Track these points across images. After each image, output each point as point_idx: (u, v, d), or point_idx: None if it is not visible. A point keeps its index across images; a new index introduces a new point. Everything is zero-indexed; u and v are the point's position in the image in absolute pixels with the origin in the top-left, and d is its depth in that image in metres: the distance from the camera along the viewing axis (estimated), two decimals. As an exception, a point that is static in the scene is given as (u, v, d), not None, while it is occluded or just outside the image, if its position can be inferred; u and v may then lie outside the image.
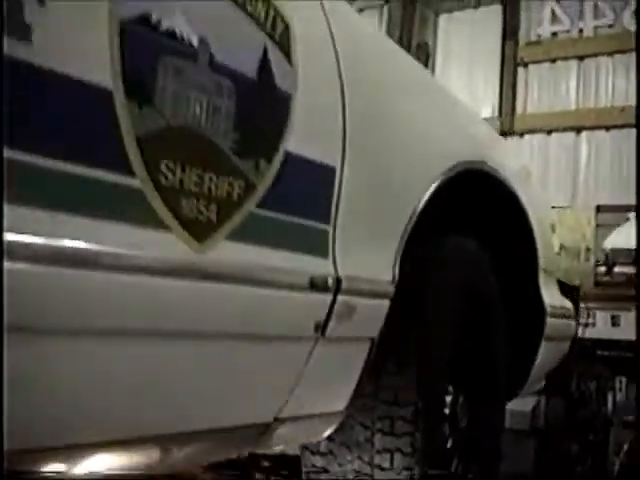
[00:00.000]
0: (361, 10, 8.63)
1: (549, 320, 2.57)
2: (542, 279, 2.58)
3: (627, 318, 7.10)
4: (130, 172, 1.07)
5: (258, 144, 1.29)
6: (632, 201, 8.13)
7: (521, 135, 8.51)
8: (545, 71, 8.58)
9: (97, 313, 1.06)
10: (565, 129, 8.38)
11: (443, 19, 8.83)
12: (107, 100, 1.03)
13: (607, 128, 8.18)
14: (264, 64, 1.30)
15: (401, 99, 1.81)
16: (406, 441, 1.76)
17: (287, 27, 1.36)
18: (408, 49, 9.27)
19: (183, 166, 1.14)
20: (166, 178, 1.11)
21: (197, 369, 1.27)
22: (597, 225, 8.14)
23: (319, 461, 1.84)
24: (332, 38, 1.50)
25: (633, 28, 8.04)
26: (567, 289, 3.35)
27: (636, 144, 6.69)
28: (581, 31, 8.39)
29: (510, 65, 8.61)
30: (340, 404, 1.62)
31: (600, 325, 7.08)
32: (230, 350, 1.31)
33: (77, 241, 1.00)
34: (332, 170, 1.45)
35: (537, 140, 8.43)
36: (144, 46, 1.09)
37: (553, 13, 8.49)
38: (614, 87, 8.26)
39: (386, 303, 1.61)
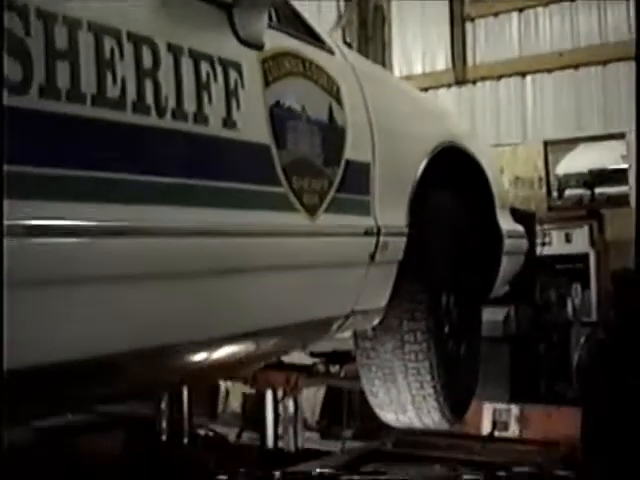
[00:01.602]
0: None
1: (506, 240, 3.45)
2: (498, 212, 3.45)
3: (578, 234, 7.92)
4: (278, 183, 2.07)
5: (332, 157, 2.29)
6: (574, 134, 9.04)
7: (474, 83, 9.12)
8: (490, 24, 9.18)
9: (264, 256, 2.04)
10: (511, 75, 8.99)
11: None
12: (267, 149, 2.03)
13: (549, 71, 8.81)
14: (331, 112, 2.31)
15: (403, 111, 2.84)
16: (422, 324, 2.78)
17: (338, 88, 2.37)
18: (366, 11, 9.98)
19: (302, 177, 2.14)
20: (295, 185, 2.12)
21: (310, 286, 2.28)
22: (546, 156, 8.97)
23: (368, 343, 2.86)
24: (360, 87, 2.51)
25: (564, -20, 8.73)
26: (525, 215, 4.30)
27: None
28: (518, -15, 8.97)
29: (459, 21, 9.22)
30: (383, 302, 2.65)
31: (556, 243, 7.82)
32: (325, 273, 2.32)
33: (255, 221, 1.98)
34: (368, 164, 2.47)
35: (488, 86, 9.04)
36: (280, 119, 2.08)
37: (494, -28, 9.04)
38: (552, 34, 8.83)
39: (404, 239, 2.63)
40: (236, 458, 3.56)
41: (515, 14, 9.08)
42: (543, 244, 7.35)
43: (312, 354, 3.56)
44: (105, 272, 1.52)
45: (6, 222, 1.28)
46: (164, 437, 3.98)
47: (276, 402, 3.73)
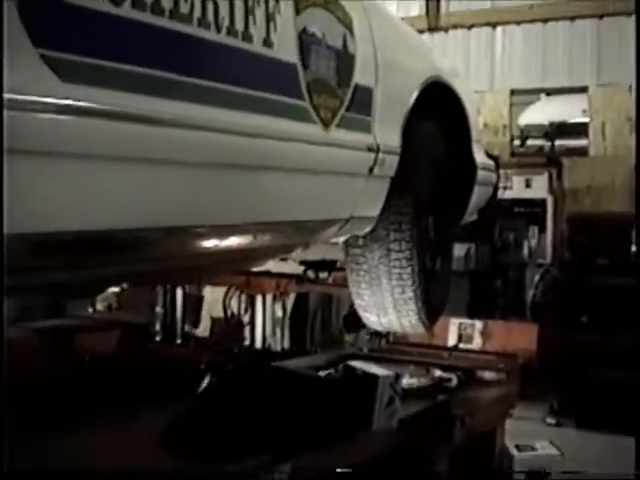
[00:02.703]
0: None
1: (479, 171, 3.85)
2: (474, 145, 3.87)
3: (537, 181, 8.39)
4: (302, 98, 2.41)
5: (344, 80, 2.64)
6: (539, 85, 9.43)
7: (446, 30, 9.39)
8: None
9: (286, 158, 2.37)
10: (482, 25, 9.31)
11: None
12: (295, 68, 2.38)
13: (518, 23, 9.16)
14: (344, 40, 2.65)
15: (401, 46, 3.19)
16: (407, 235, 3.17)
17: (351, 19, 2.71)
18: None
19: (320, 94, 2.49)
20: (315, 100, 2.46)
21: (320, 189, 2.64)
22: (511, 105, 9.37)
23: (358, 250, 3.24)
24: (368, 20, 2.85)
25: None
26: (490, 158, 4.68)
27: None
28: (494, -62, 9.21)
29: None
30: (376, 212, 3.01)
31: (516, 187, 8.29)
32: (333, 180, 2.68)
33: (281, 128, 2.32)
34: (371, 89, 2.82)
35: (460, 34, 9.34)
36: (306, 43, 2.42)
37: None
38: None
39: (397, 158, 2.99)
40: (226, 356, 3.92)
41: (489, -35, 9.39)
42: (505, 188, 7.76)
43: (302, 263, 3.94)
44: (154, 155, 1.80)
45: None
46: (157, 338, 4.34)
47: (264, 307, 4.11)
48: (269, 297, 4.13)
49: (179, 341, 4.34)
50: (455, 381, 3.28)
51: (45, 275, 2.02)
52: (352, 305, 5.66)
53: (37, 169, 1.51)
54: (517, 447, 4.00)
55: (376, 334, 4.46)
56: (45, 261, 1.83)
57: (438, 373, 3.31)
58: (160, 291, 4.40)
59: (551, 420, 6.23)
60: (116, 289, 5.08)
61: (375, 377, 2.45)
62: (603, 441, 5.55)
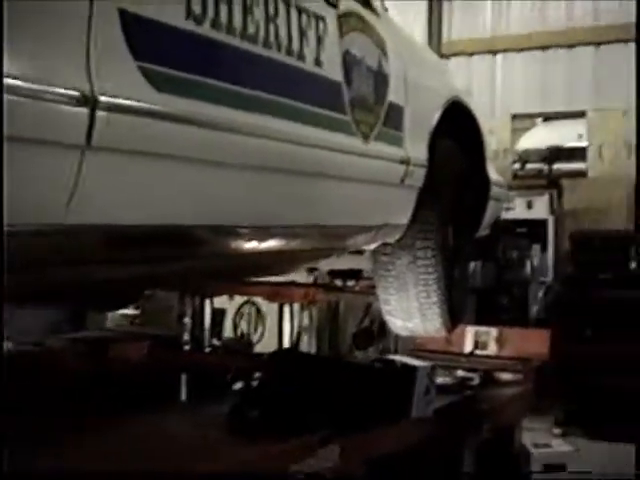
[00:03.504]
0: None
1: (492, 188, 4.11)
2: (488, 163, 4.18)
3: (538, 202, 8.66)
4: (345, 113, 2.65)
5: (380, 98, 2.89)
6: (538, 110, 9.72)
7: (448, 58, 9.66)
8: (466, 4, 9.80)
9: (331, 166, 2.60)
10: (483, 52, 9.68)
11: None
12: (339, 85, 2.61)
13: (518, 50, 9.51)
14: (380, 63, 2.90)
15: (427, 68, 3.45)
16: (432, 242, 3.39)
17: (385, 43, 2.96)
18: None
19: (360, 110, 2.73)
20: (356, 115, 2.70)
21: (359, 197, 2.86)
22: (512, 130, 9.66)
23: (386, 258, 3.46)
24: (398, 44, 3.10)
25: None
26: None
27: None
28: (494, -30, 9.59)
29: (436, 0, 9.86)
30: (406, 220, 3.24)
31: (518, 208, 8.39)
32: (369, 189, 2.91)
33: (327, 138, 2.55)
34: (402, 107, 3.06)
35: (461, 61, 9.68)
36: (349, 63, 2.67)
37: (472, -44, 9.64)
38: (523, 16, 9.52)
39: (424, 171, 3.23)
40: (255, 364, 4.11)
41: (490, -3, 9.73)
42: (507, 209, 8.00)
43: (330, 272, 4.17)
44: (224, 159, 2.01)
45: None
46: (186, 348, 4.54)
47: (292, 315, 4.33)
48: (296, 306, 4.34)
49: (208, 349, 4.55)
50: (477, 380, 3.50)
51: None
52: (362, 321, 5.89)
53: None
54: (534, 445, 4.21)
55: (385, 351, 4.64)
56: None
57: (461, 373, 3.54)
58: (188, 303, 4.61)
59: (557, 431, 6.43)
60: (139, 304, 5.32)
61: (414, 367, 2.66)
62: (607, 449, 5.74)
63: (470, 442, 3.04)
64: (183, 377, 3.87)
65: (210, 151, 1.97)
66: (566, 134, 10.14)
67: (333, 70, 2.56)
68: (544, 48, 9.38)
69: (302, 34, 2.37)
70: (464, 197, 3.85)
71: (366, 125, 2.77)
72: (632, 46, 8.94)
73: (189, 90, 1.87)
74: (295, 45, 2.32)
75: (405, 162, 3.04)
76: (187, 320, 4.51)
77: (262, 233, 2.49)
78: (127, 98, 1.66)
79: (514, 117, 9.54)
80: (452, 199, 3.66)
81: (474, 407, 3.13)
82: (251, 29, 2.12)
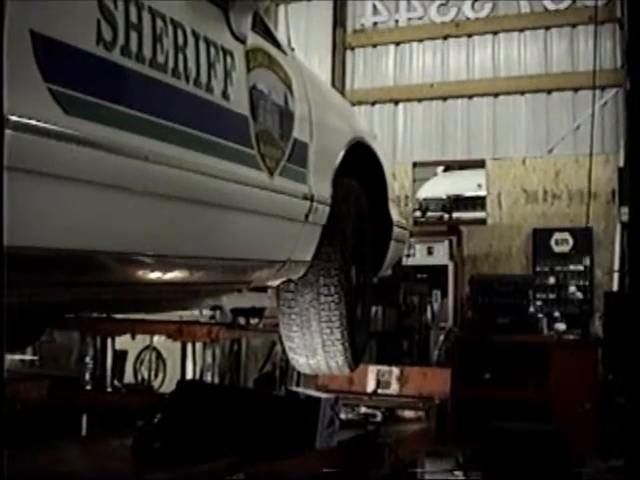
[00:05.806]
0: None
1: (394, 228, 4.21)
2: (390, 204, 4.26)
3: (438, 248, 8.83)
4: (251, 146, 2.69)
5: (285, 134, 2.93)
6: (439, 158, 9.96)
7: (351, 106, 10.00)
8: (368, 54, 9.99)
9: (235, 198, 2.61)
10: (385, 101, 9.85)
11: (281, 10, 10.03)
12: (246, 119, 2.65)
13: (419, 100, 9.72)
14: (286, 99, 2.95)
15: (331, 108, 3.52)
16: (335, 279, 3.43)
17: (291, 81, 3.02)
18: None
19: (266, 145, 2.77)
20: (262, 149, 2.74)
21: (263, 231, 2.89)
22: (414, 179, 9.86)
23: (289, 295, 3.49)
24: (304, 83, 3.16)
25: (438, 20, 9.67)
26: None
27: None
28: (397, 22, 9.87)
29: (340, 49, 9.97)
30: (309, 257, 3.28)
31: (418, 254, 8.79)
32: (273, 223, 2.94)
33: (233, 171, 2.57)
34: (307, 144, 3.11)
35: (363, 110, 9.78)
36: (255, 98, 2.71)
37: (374, 7, 9.89)
38: (424, 67, 9.75)
39: (328, 208, 3.27)
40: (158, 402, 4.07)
41: (392, 47, 9.95)
42: (408, 255, 8.17)
43: (232, 310, 4.17)
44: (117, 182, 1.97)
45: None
46: (88, 387, 4.46)
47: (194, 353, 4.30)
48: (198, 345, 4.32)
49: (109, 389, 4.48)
50: (380, 416, 3.54)
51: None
52: (264, 366, 5.89)
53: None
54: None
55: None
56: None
57: (364, 409, 3.57)
58: (89, 343, 4.54)
59: (458, 474, 6.51)
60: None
61: (318, 399, 2.68)
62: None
63: (373, 475, 3.07)
64: (84, 415, 3.80)
65: (112, 176, 1.96)
66: (465, 184, 10.38)
67: (240, 104, 2.59)
68: (444, 98, 9.62)
69: (210, 66, 2.40)
70: (367, 236, 3.90)
71: (271, 160, 2.80)
72: (529, 97, 9.32)
73: (96, 114, 1.88)
74: (203, 77, 2.35)
75: (309, 198, 3.08)
76: (88, 360, 4.44)
77: (163, 263, 2.44)
78: (34, 118, 1.66)
79: (415, 165, 9.69)
80: (355, 238, 3.70)
81: (377, 441, 3.15)
82: (160, 58, 2.14)
